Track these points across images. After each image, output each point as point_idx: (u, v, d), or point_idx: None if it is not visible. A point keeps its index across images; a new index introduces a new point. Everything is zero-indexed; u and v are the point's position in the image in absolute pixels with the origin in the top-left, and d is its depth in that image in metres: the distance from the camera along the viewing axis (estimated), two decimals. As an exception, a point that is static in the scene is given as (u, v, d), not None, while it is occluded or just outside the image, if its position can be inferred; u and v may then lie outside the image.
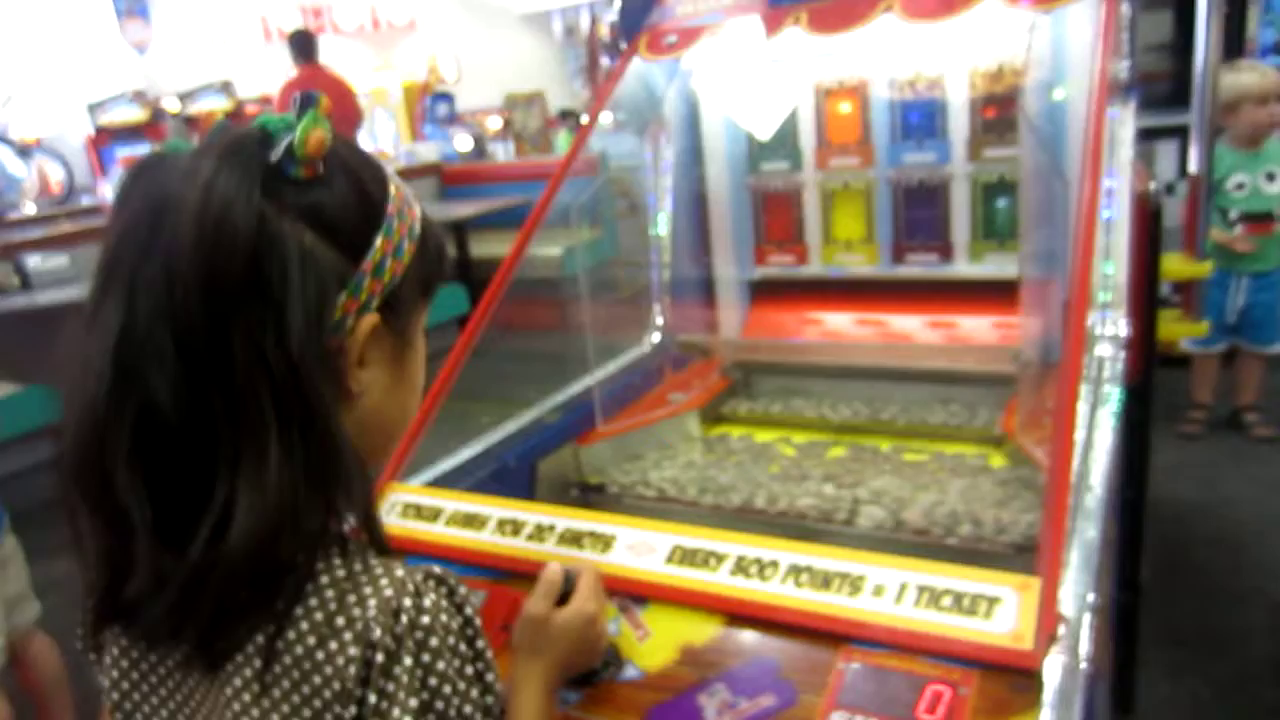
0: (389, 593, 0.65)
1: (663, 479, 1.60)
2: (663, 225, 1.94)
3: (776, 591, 0.96)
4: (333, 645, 0.63)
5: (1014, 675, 0.83)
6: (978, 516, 1.36)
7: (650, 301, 1.95)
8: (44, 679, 2.07)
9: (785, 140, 1.90)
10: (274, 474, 0.62)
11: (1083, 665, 0.82)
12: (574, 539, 1.10)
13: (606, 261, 1.87)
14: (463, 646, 0.68)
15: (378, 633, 0.63)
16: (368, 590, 0.65)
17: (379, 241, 0.69)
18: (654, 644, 0.97)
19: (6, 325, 4.36)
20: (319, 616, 0.64)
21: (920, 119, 1.76)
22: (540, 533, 1.13)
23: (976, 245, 1.78)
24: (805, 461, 1.64)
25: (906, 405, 1.76)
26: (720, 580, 0.99)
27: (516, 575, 1.08)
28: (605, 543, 1.08)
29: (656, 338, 1.94)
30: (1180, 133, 2.74)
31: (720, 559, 1.01)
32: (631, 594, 1.02)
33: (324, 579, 0.66)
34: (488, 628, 1.04)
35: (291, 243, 0.63)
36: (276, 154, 0.65)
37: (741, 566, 1.00)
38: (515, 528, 1.15)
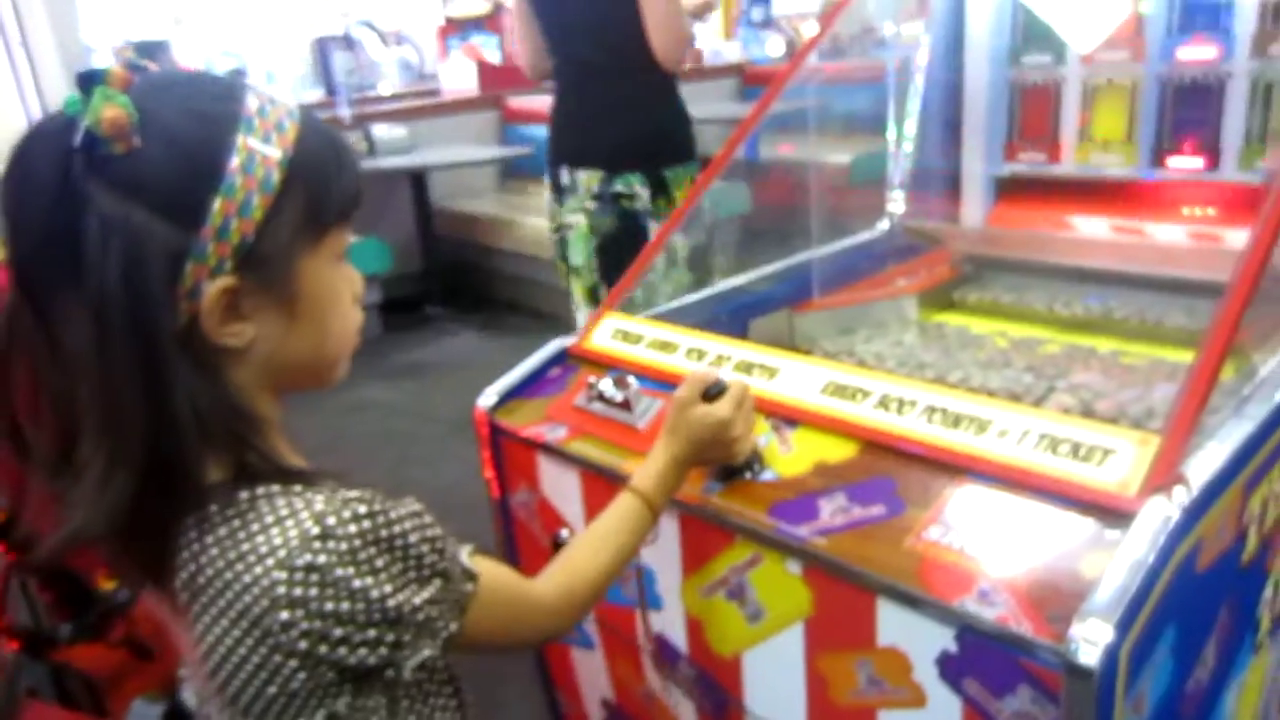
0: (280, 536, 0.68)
1: (867, 352, 1.68)
2: (910, 111, 1.96)
3: (909, 426, 1.05)
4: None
5: (1109, 515, 0.88)
6: (1173, 417, 1.33)
7: (885, 189, 1.99)
8: None
9: (1051, 33, 1.83)
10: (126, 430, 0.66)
11: (1176, 515, 0.84)
12: (746, 367, 1.25)
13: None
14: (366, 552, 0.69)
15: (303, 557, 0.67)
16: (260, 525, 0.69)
17: (218, 205, 0.66)
18: (794, 457, 1.10)
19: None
20: (228, 544, 0.69)
21: (1201, 10, 1.64)
22: (719, 360, 1.28)
23: (1249, 150, 1.65)
24: (1014, 353, 1.64)
25: (1147, 307, 1.68)
26: (862, 412, 1.10)
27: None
28: (771, 372, 1.22)
29: (886, 224, 1.98)
30: None
31: (866, 394, 1.11)
32: (785, 417, 1.15)
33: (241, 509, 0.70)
34: (656, 431, 1.21)
35: (93, 219, 0.63)
36: (78, 138, 0.63)
37: (884, 402, 1.09)
38: (700, 354, 1.31)
